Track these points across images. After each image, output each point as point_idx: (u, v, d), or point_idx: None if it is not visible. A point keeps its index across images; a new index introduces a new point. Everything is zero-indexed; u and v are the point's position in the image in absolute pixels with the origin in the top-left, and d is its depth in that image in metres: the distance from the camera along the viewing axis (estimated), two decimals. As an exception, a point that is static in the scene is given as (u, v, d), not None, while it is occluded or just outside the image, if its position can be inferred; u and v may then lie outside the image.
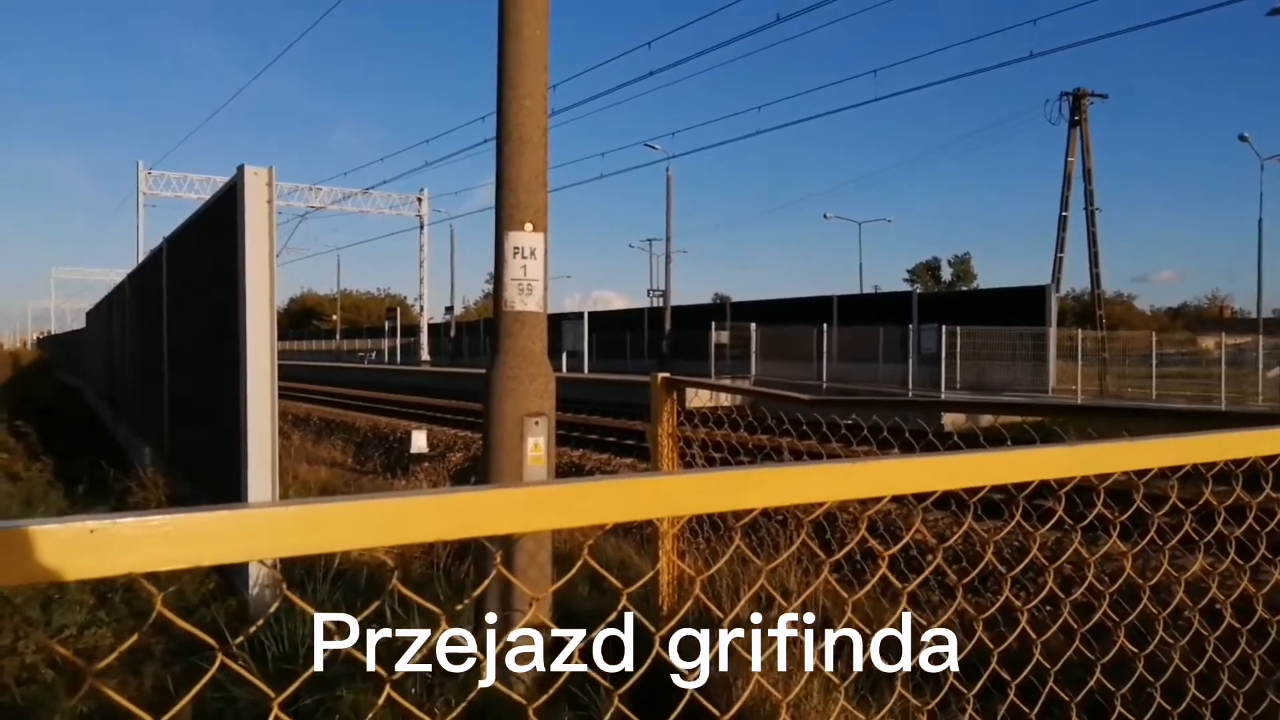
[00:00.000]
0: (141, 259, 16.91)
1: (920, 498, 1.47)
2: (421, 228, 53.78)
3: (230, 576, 5.77)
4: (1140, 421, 3.56)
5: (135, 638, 0.89)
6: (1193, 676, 2.21)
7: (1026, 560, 1.92)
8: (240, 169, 5.64)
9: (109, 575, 0.77)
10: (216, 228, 6.69)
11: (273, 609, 1.56)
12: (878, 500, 1.35)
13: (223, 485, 6.23)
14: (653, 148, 40.44)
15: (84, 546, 0.76)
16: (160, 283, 9.83)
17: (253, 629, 3.51)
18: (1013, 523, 1.71)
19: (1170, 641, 2.18)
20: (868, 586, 1.47)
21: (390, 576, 1.01)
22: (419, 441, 16.26)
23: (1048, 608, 3.13)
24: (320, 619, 1.37)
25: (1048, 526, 2.03)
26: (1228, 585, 2.34)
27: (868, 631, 1.51)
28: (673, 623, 1.17)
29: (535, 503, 1.03)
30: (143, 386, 11.89)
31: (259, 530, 0.83)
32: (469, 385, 33.11)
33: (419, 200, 52.77)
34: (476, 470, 14.09)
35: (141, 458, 10.44)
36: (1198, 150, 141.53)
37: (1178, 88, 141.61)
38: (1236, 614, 2.35)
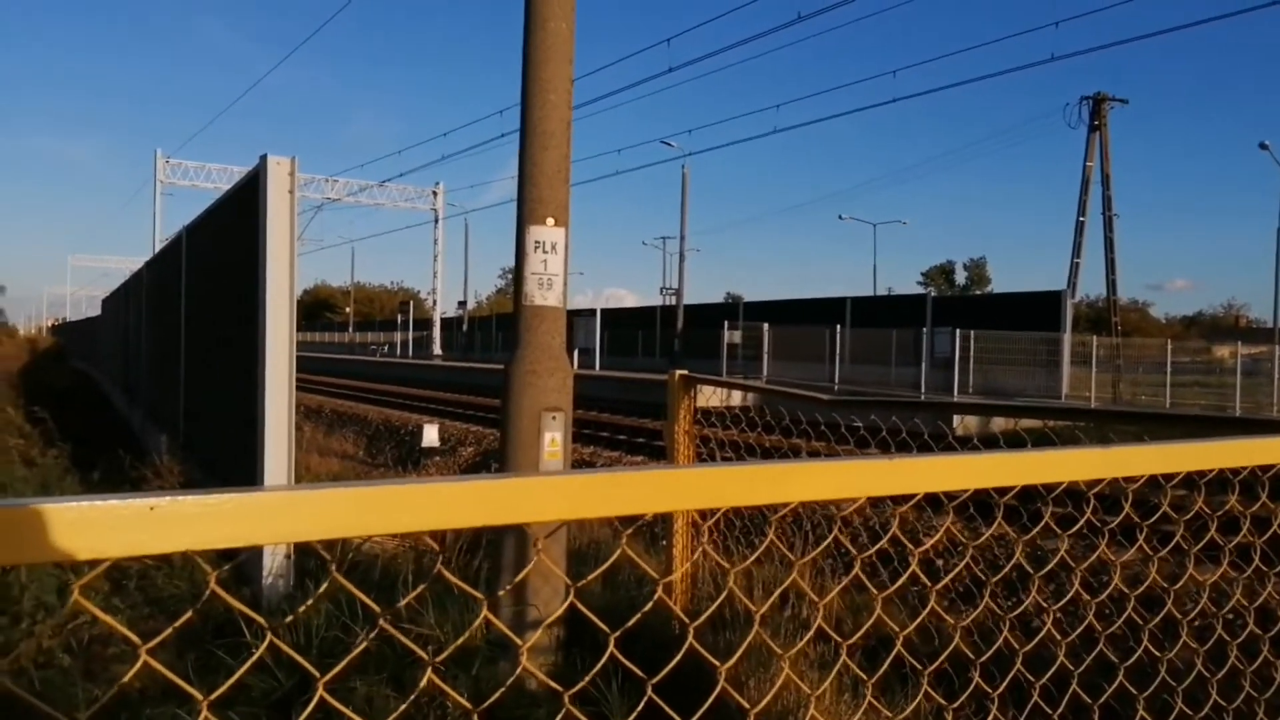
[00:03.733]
0: (158, 247, 17.00)
1: (951, 496, 1.47)
2: (436, 221, 53.90)
3: (244, 567, 5.80)
4: (1159, 426, 3.55)
5: (190, 614, 0.90)
6: (1214, 683, 2.21)
7: (1053, 563, 1.92)
8: (263, 159, 5.67)
9: (169, 551, 0.78)
10: (237, 217, 6.72)
11: (322, 589, 1.57)
12: (911, 499, 1.35)
13: (238, 473, 6.26)
14: (669, 145, 40.42)
15: (145, 523, 0.77)
16: (179, 271, 9.88)
17: (303, 608, 3.52)
18: (1040, 525, 1.70)
19: (1193, 648, 2.18)
20: (897, 584, 1.47)
21: (435, 561, 1.01)
22: (430, 435, 16.30)
23: (1067, 616, 3.13)
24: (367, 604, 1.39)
25: (1073, 531, 2.02)
26: (1250, 593, 2.34)
27: (895, 630, 1.51)
28: (706, 615, 1.17)
29: (577, 490, 1.04)
30: (159, 374, 11.96)
31: (316, 511, 0.83)
32: (481, 380, 33.19)
33: (434, 194, 52.89)
34: (488, 465, 14.11)
35: (157, 445, 10.51)
36: (1216, 158, 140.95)
37: (1198, 94, 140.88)
38: (1258, 622, 2.34)
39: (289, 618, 3.15)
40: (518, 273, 4.58)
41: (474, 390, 29.72)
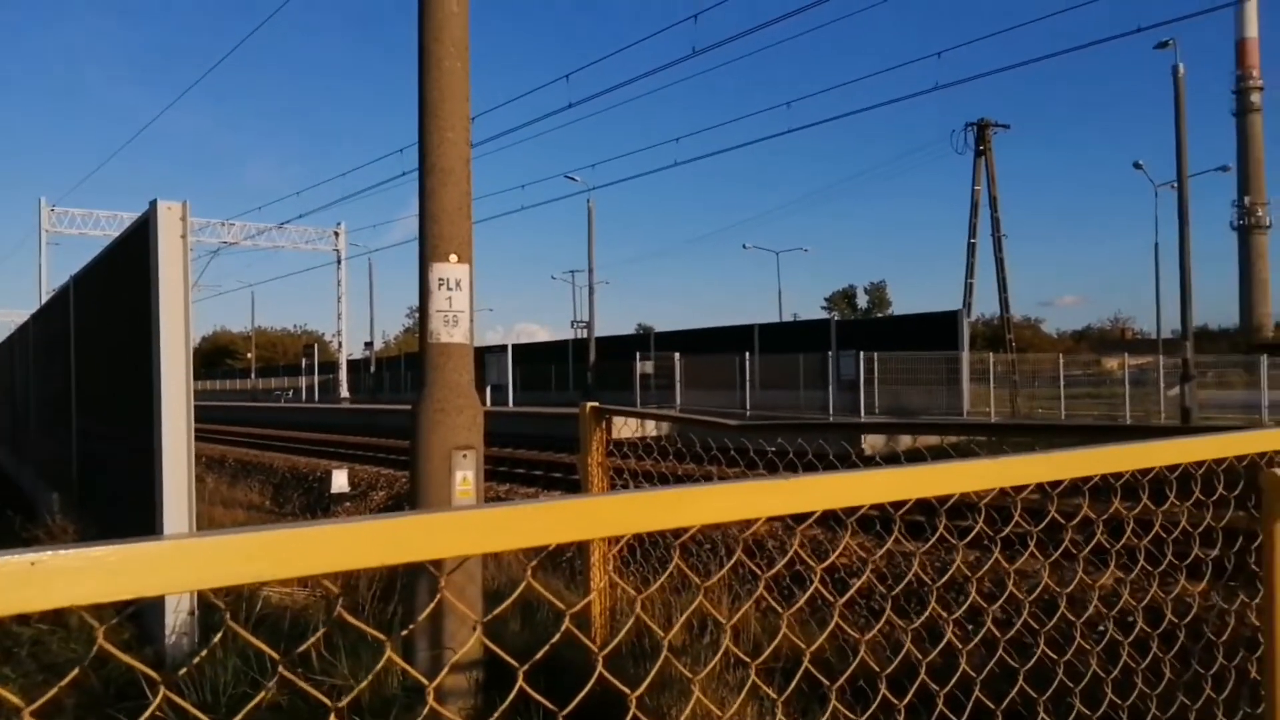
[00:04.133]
0: (45, 298, 16.27)
1: (849, 513, 1.52)
2: (339, 262, 52.93)
3: (146, 624, 5.55)
4: (1052, 437, 3.71)
5: (76, 671, 0.87)
6: (1109, 682, 2.31)
7: (947, 575, 1.98)
8: (153, 204, 5.51)
9: (52, 608, 0.76)
10: (127, 264, 6.50)
11: (215, 639, 1.53)
12: (809, 517, 1.39)
13: (136, 528, 6.01)
14: (573, 179, 40.65)
15: (27, 579, 0.75)
16: (67, 322, 9.48)
17: (197, 658, 3.38)
18: (934, 538, 1.77)
19: (1087, 649, 2.27)
20: (800, 600, 1.50)
21: (335, 604, 1.00)
22: (340, 480, 15.91)
23: (970, 625, 3.23)
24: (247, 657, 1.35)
25: (965, 541, 2.10)
26: (1139, 593, 2.45)
27: (803, 647, 1.55)
28: (616, 640, 1.18)
29: (473, 525, 1.04)
30: (49, 431, 11.42)
31: (208, 559, 0.82)
32: (390, 421, 32.55)
33: (335, 234, 51.97)
34: (401, 508, 13.83)
35: (49, 504, 10.01)
36: (1097, 177, 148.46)
37: (1077, 117, 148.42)
38: (1148, 621, 2.46)
39: (182, 670, 3.03)
40: (423, 311, 4.54)
41: (384, 433, 29.14)
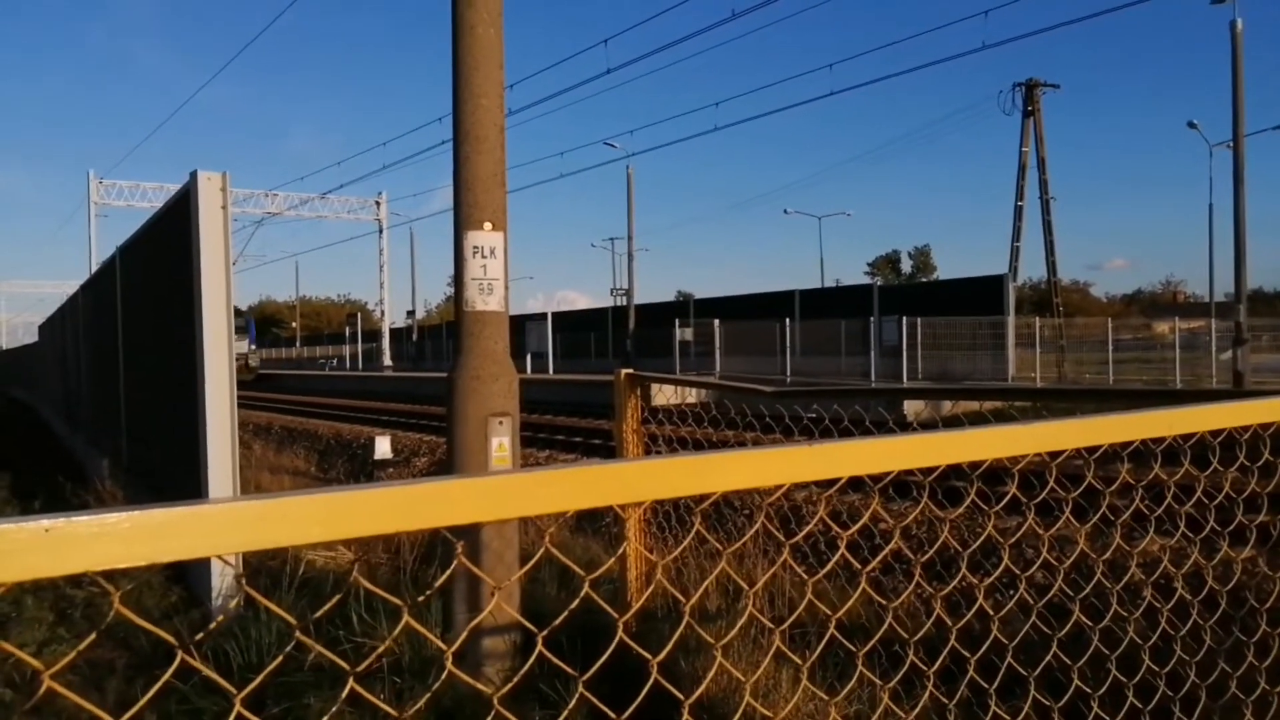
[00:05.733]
0: (94, 269, 16.60)
1: (877, 479, 1.50)
2: (381, 231, 53.33)
3: (194, 588, 5.69)
4: (1098, 402, 3.64)
5: (94, 635, 0.89)
6: (1146, 649, 2.27)
7: (981, 539, 1.95)
8: (193, 174, 5.57)
9: (66, 574, 0.77)
10: (170, 235, 6.60)
11: (233, 603, 1.55)
12: (836, 483, 1.37)
13: (183, 492, 6.15)
14: (612, 146, 40.47)
15: (39, 545, 0.76)
16: (114, 292, 9.66)
17: (213, 625, 3.46)
18: (965, 503, 1.74)
19: (1125, 615, 2.23)
20: (828, 566, 1.49)
21: (390, 573, 1.00)
22: (383, 447, 16.10)
23: (1009, 591, 3.19)
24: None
25: (999, 507, 2.07)
26: (1180, 559, 2.40)
27: (829, 614, 1.54)
28: (637, 606, 1.18)
29: (497, 491, 1.04)
30: (99, 398, 11.69)
31: (218, 524, 0.83)
32: (432, 389, 32.90)
33: (377, 204, 52.31)
34: (442, 475, 13.97)
35: (99, 470, 10.27)
36: (1148, 138, 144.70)
37: (1128, 77, 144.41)
38: (1188, 587, 2.41)
39: (199, 634, 3.09)
40: (458, 279, 4.56)
41: (426, 400, 29.45)
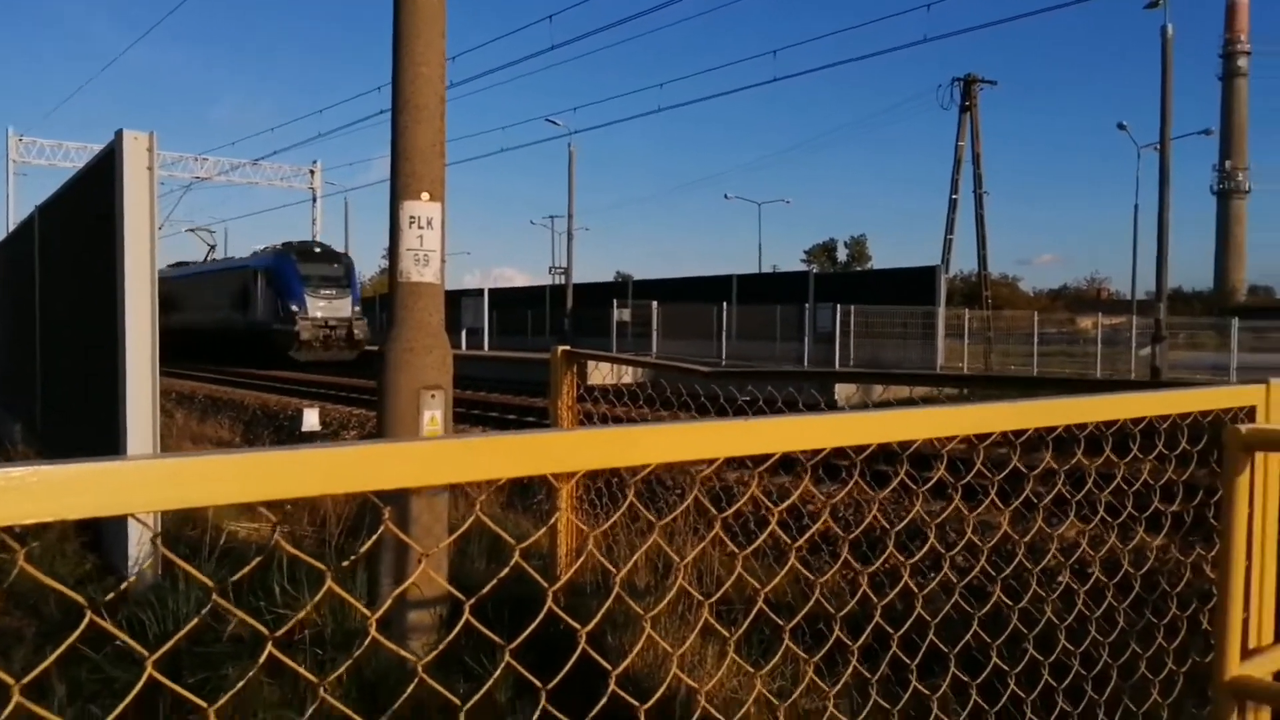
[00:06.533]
0: (10, 229, 15.96)
1: (810, 457, 1.50)
2: (314, 200, 52.14)
3: (109, 555, 5.53)
4: (1020, 389, 3.73)
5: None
6: (1063, 629, 2.34)
7: (905, 522, 1.99)
8: (118, 133, 5.37)
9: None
10: (94, 195, 6.36)
11: (149, 568, 1.50)
12: (768, 460, 1.37)
13: (100, 453, 5.95)
14: (554, 123, 40.05)
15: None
16: (32, 253, 9.30)
17: (125, 585, 3.36)
18: (893, 484, 1.76)
19: (1043, 596, 2.30)
20: (755, 543, 1.49)
21: (314, 543, 0.97)
22: (311, 419, 15.83)
23: (930, 573, 3.26)
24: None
25: (925, 488, 2.10)
26: (1098, 544, 2.48)
27: (757, 589, 1.54)
28: (566, 576, 1.17)
29: (427, 456, 1.02)
30: (13, 361, 11.26)
31: (132, 481, 0.79)
32: (362, 361, 32.45)
33: (311, 172, 51.12)
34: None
35: (11, 435, 9.90)
36: (1081, 138, 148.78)
37: (1065, 77, 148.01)
38: (1105, 571, 2.49)
39: (110, 596, 3.00)
40: (393, 249, 4.47)
41: (356, 372, 29.00)
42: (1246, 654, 2.09)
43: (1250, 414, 2.27)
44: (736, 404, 4.24)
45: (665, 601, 1.81)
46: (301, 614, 1.26)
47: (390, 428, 4.47)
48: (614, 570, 1.61)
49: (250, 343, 34.97)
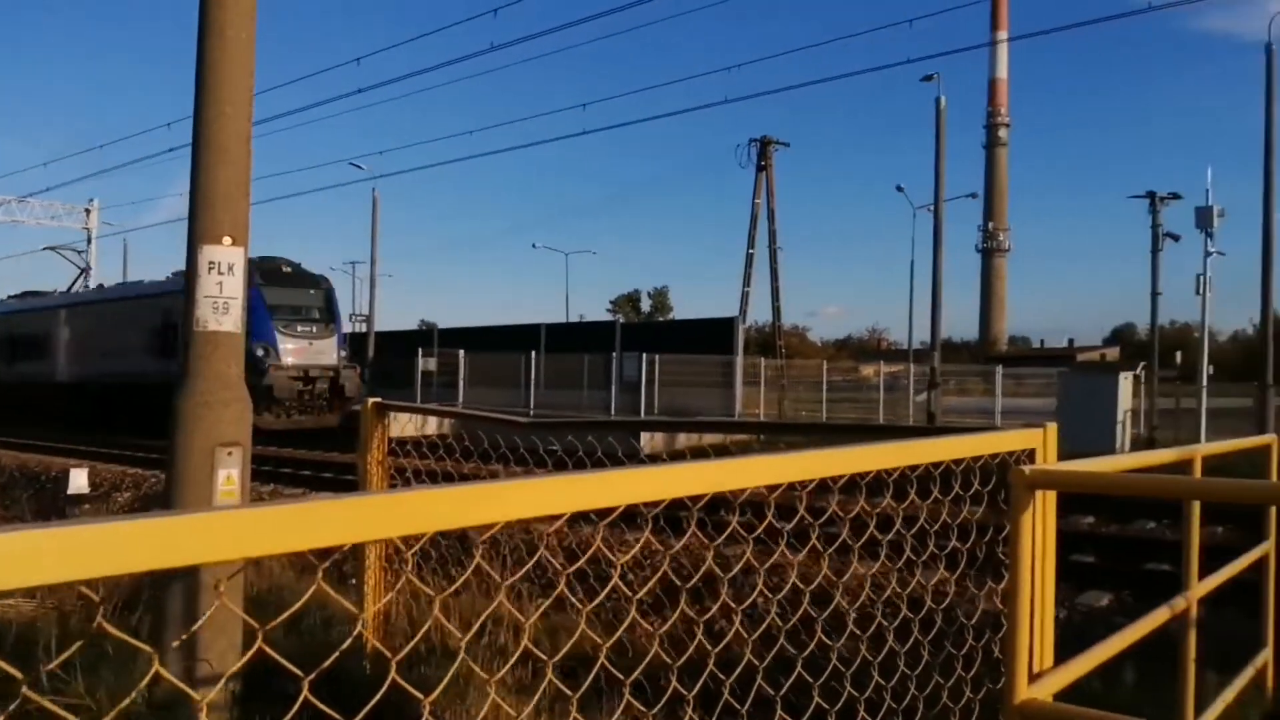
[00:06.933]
0: None
1: (650, 508, 1.52)
2: (89, 241, 48.18)
3: None
4: (822, 435, 3.93)
5: None
6: (875, 665, 2.46)
7: (737, 568, 2.04)
8: None
9: None
10: None
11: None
12: (613, 511, 1.38)
13: None
14: (358, 167, 39.04)
15: None
16: None
17: None
18: (728, 531, 1.81)
19: (858, 634, 2.41)
20: (599, 598, 1.49)
21: (87, 621, 0.87)
22: (79, 480, 14.47)
23: (754, 611, 3.37)
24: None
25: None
26: (905, 582, 2.63)
27: (599, 642, 1.53)
28: (410, 647, 1.12)
29: (258, 525, 0.94)
30: None
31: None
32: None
33: (87, 211, 47.28)
34: (148, 511, 12.71)
35: None
36: (865, 197, 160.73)
37: (852, 140, 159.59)
38: (910, 607, 2.64)
39: None
40: (189, 296, 4.20)
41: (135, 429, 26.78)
42: (1033, 678, 2.27)
43: (1031, 456, 2.50)
44: (555, 455, 4.23)
45: (510, 665, 1.76)
46: (128, 701, 1.13)
47: (179, 488, 4.15)
48: (460, 635, 1.55)
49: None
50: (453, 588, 2.72)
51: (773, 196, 35.45)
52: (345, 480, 14.34)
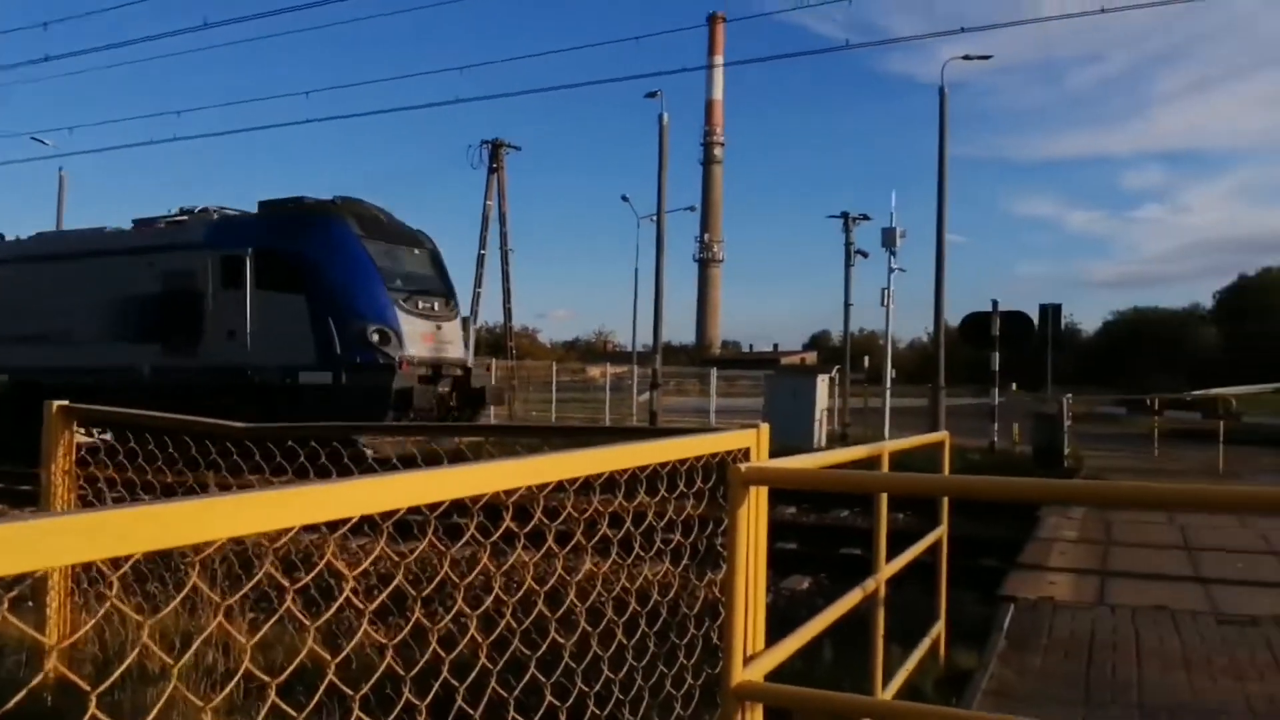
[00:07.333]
0: None
1: (386, 517, 1.49)
2: None
3: None
4: (554, 438, 4.00)
5: None
6: (605, 659, 2.54)
7: (474, 574, 2.04)
8: None
9: None
10: None
11: None
12: (346, 523, 1.33)
13: None
14: (42, 142, 34.61)
15: None
16: None
17: None
18: (465, 537, 1.81)
19: (588, 631, 2.48)
20: (333, 608, 1.44)
21: None
22: None
23: (493, 613, 3.36)
24: None
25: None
26: (629, 578, 2.74)
27: (327, 659, 1.48)
28: (116, 675, 1.03)
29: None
30: None
31: None
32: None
33: None
34: None
35: None
36: (594, 204, 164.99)
37: (582, 147, 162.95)
38: (638, 601, 2.75)
39: None
40: None
41: None
42: (747, 661, 2.45)
43: (746, 454, 2.68)
44: (275, 461, 4.00)
45: (231, 686, 1.65)
46: None
47: None
48: (169, 661, 1.42)
49: (251, 401, 14.55)
50: (165, 611, 2.51)
51: (504, 199, 35.44)
52: (22, 492, 12.66)
